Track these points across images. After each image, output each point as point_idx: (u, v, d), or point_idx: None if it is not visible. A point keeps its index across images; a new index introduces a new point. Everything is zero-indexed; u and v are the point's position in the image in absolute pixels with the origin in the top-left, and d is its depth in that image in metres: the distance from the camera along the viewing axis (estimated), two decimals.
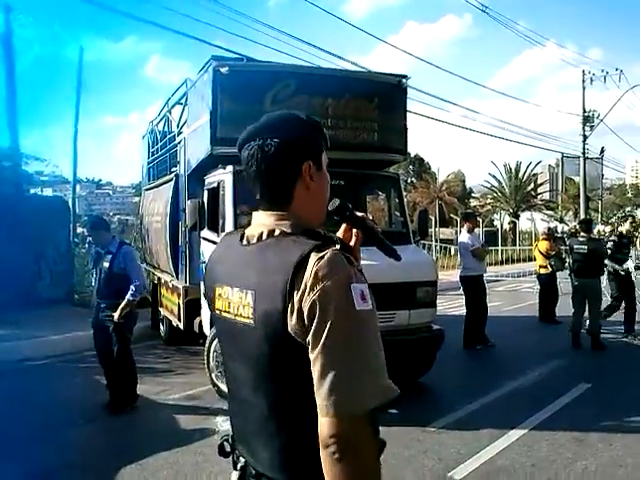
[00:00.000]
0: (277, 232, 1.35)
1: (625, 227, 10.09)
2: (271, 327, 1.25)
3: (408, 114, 7.34)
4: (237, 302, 1.36)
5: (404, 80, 7.01)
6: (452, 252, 21.22)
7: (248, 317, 1.31)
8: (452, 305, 11.76)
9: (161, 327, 9.02)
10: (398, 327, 5.82)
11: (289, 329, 1.22)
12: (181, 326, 7.36)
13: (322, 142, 1.45)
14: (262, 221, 1.40)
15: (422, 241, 16.01)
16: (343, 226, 1.61)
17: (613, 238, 9.55)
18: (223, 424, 5.05)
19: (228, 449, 1.50)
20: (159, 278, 9.00)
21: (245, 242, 1.41)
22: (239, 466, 1.43)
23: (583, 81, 26.84)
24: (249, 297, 1.31)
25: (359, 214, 1.58)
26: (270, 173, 1.37)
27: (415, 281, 5.92)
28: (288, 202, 1.38)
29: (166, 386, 6.38)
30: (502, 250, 23.55)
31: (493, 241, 24.98)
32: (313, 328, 1.18)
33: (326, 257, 1.21)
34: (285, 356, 1.25)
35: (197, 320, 6.97)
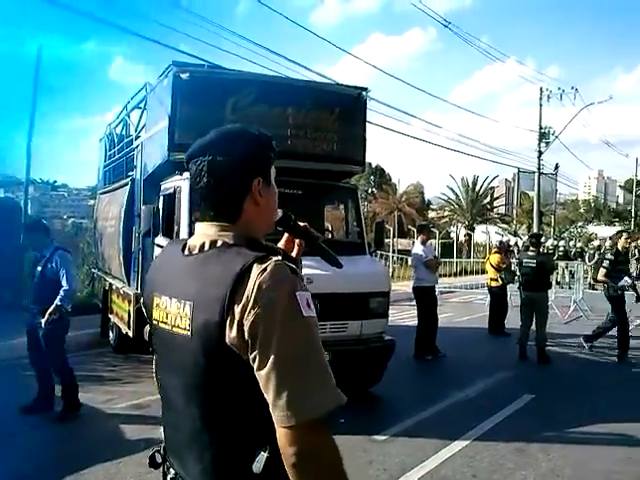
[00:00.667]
0: (219, 243, 1.34)
1: (621, 243, 9.37)
2: (208, 339, 1.24)
3: (370, 125, 7.48)
4: (175, 313, 1.34)
5: (364, 93, 7.12)
6: (409, 263, 21.44)
7: (185, 328, 1.30)
8: (406, 315, 11.94)
9: (110, 334, 8.84)
10: (350, 337, 5.90)
11: (227, 341, 1.21)
12: (130, 334, 7.24)
13: (272, 157, 1.46)
14: (205, 231, 1.39)
15: (380, 252, 16.24)
16: (285, 236, 1.63)
17: (609, 256, 8.92)
18: None
19: (159, 460, 1.50)
20: (110, 284, 8.84)
21: (187, 252, 1.40)
22: (169, 477, 1.43)
23: (540, 98, 27.65)
24: (187, 308, 1.30)
25: (301, 224, 1.61)
26: (218, 190, 1.37)
27: (368, 292, 6.01)
28: (236, 217, 1.38)
29: (113, 395, 6.28)
30: (457, 262, 23.99)
31: (449, 253, 25.49)
32: (259, 342, 1.17)
33: (269, 269, 1.21)
34: (220, 368, 1.25)
35: (147, 328, 6.85)
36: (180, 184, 6.17)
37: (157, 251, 6.56)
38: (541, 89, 27.70)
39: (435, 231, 26.42)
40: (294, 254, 1.61)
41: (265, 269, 1.21)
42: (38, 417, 5.36)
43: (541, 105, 27.63)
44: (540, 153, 27.62)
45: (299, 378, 1.17)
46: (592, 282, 20.20)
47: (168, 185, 6.56)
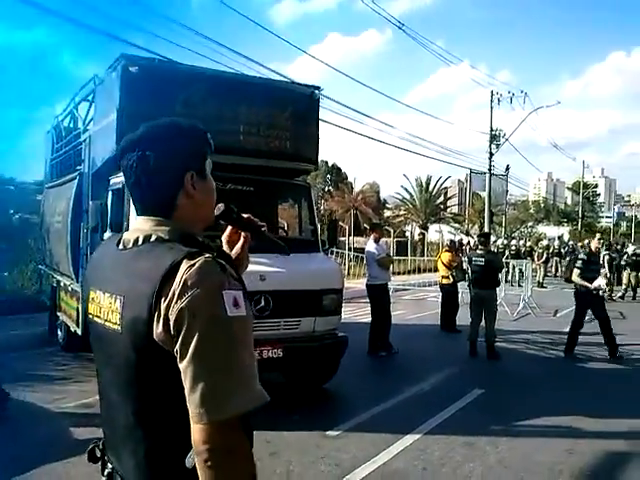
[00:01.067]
0: (153, 238, 1.33)
1: (594, 244, 9.50)
2: (137, 334, 1.23)
3: (326, 124, 7.50)
4: (107, 307, 1.34)
5: (317, 91, 7.12)
6: (364, 261, 21.66)
7: (116, 323, 1.30)
8: (361, 312, 12.02)
9: (59, 333, 8.59)
10: (303, 334, 5.90)
11: (155, 337, 1.20)
12: (79, 331, 7.05)
13: (206, 150, 1.43)
14: (140, 226, 1.38)
15: (336, 249, 16.35)
16: (228, 229, 1.62)
17: (582, 256, 8.94)
18: None
19: (98, 454, 1.49)
20: (58, 281, 8.58)
21: (121, 247, 1.39)
22: (106, 472, 1.43)
23: (491, 101, 28.25)
24: (118, 303, 1.29)
25: (245, 215, 1.60)
26: (150, 185, 1.35)
27: (321, 289, 6.03)
28: (170, 211, 1.36)
29: (62, 394, 6.11)
30: (411, 260, 24.32)
31: (403, 251, 25.83)
32: (181, 337, 1.17)
33: (197, 265, 1.20)
34: (151, 364, 1.24)
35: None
36: None
37: None
38: (492, 92, 28.30)
39: (390, 230, 26.77)
40: (239, 246, 1.61)
41: (193, 265, 1.20)
42: None
43: (492, 108, 28.22)
44: (491, 155, 28.22)
45: (214, 376, 1.16)
46: (540, 281, 20.90)
47: (117, 180, 6.39)
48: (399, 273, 21.48)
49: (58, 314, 8.50)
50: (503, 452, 4.83)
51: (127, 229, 5.83)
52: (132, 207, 5.25)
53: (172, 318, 1.18)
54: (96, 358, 1.48)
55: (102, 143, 6.66)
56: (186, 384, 1.17)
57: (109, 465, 1.42)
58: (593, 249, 9.40)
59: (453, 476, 4.31)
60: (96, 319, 1.40)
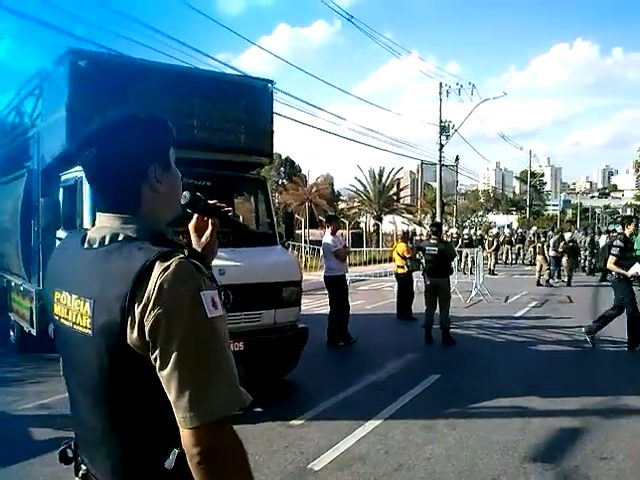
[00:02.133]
0: (121, 236, 1.28)
1: (629, 229, 8.75)
2: (109, 339, 1.19)
3: (279, 117, 7.52)
4: (75, 310, 1.28)
5: (270, 85, 7.15)
6: (321, 253, 21.80)
7: (86, 327, 1.24)
8: (319, 304, 12.13)
9: (11, 334, 8.37)
10: (264, 326, 5.94)
11: (128, 341, 1.17)
12: (34, 332, 6.90)
13: (168, 140, 1.37)
14: (106, 224, 1.31)
15: (292, 242, 16.36)
16: (195, 217, 1.59)
17: (618, 243, 8.43)
18: None
19: (70, 455, 1.44)
20: (8, 281, 8.34)
21: (87, 245, 1.32)
22: (80, 473, 1.39)
23: (440, 93, 28.72)
24: (87, 306, 1.24)
25: (211, 202, 1.57)
26: (111, 181, 1.30)
27: (280, 281, 6.07)
28: (135, 206, 1.31)
29: (18, 396, 5.96)
30: (367, 251, 24.62)
31: (358, 242, 26.10)
32: (160, 345, 1.14)
33: (172, 267, 1.16)
34: (124, 368, 1.21)
35: (52, 325, 6.57)
36: (81, 175, 5.91)
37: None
38: (441, 84, 28.76)
39: (345, 222, 26.98)
40: (208, 233, 1.59)
41: (168, 267, 1.15)
42: None
43: (441, 100, 28.67)
44: (441, 146, 28.75)
45: (200, 380, 1.14)
46: (491, 268, 21.49)
47: (69, 176, 6.27)
48: (355, 264, 21.71)
49: (10, 315, 8.27)
50: (461, 433, 4.99)
51: (81, 226, 5.75)
52: (86, 204, 5.15)
53: (148, 324, 1.14)
54: (63, 360, 1.43)
55: (51, 139, 6.51)
56: (171, 391, 1.15)
57: (83, 467, 1.39)
58: (628, 235, 8.70)
59: (415, 458, 4.44)
60: (63, 321, 1.34)
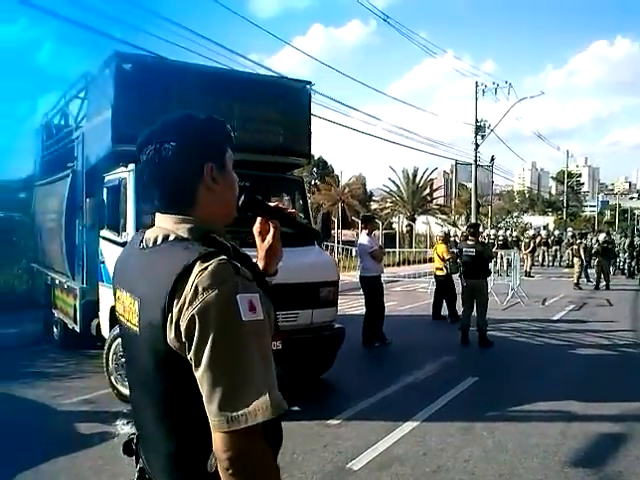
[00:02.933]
0: (172, 237, 1.30)
1: None
2: (153, 338, 1.22)
3: (313, 118, 7.54)
4: (129, 308, 1.33)
5: (308, 86, 7.21)
6: (353, 253, 21.74)
7: (135, 325, 1.28)
8: (352, 305, 12.14)
9: (55, 330, 8.61)
10: (301, 326, 5.98)
11: (169, 342, 1.18)
12: (77, 329, 7.09)
13: (225, 141, 1.40)
14: (161, 224, 1.35)
15: (326, 243, 16.39)
16: (258, 220, 1.58)
17: None
18: (124, 427, 4.97)
19: (134, 448, 1.48)
20: (53, 279, 8.58)
21: (143, 245, 1.36)
22: (139, 467, 1.42)
23: (476, 92, 28.40)
24: (136, 305, 1.28)
25: (272, 204, 1.55)
26: (169, 178, 1.32)
27: (318, 281, 6.11)
28: (190, 206, 1.33)
29: (61, 391, 6.13)
30: (399, 252, 24.49)
31: (391, 243, 25.95)
32: (194, 345, 1.14)
33: (209, 268, 1.16)
34: (167, 367, 1.22)
35: (95, 322, 6.75)
36: (125, 176, 6.07)
37: (103, 244, 6.45)
38: (477, 83, 28.43)
39: (378, 222, 26.89)
40: (270, 236, 1.57)
41: (206, 268, 1.16)
42: None
43: (477, 99, 28.34)
44: (477, 145, 28.38)
45: (230, 384, 1.13)
46: (527, 270, 21.15)
47: (112, 177, 6.43)
48: (388, 265, 21.59)
49: (54, 311, 8.52)
50: (499, 436, 4.96)
51: (124, 227, 5.90)
52: (130, 204, 5.28)
53: (183, 325, 1.15)
54: (124, 355, 1.50)
55: (96, 140, 6.67)
56: (203, 392, 1.15)
57: (141, 460, 1.42)
58: None
59: (453, 460, 4.43)
60: (121, 318, 1.40)
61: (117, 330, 5.88)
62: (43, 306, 9.26)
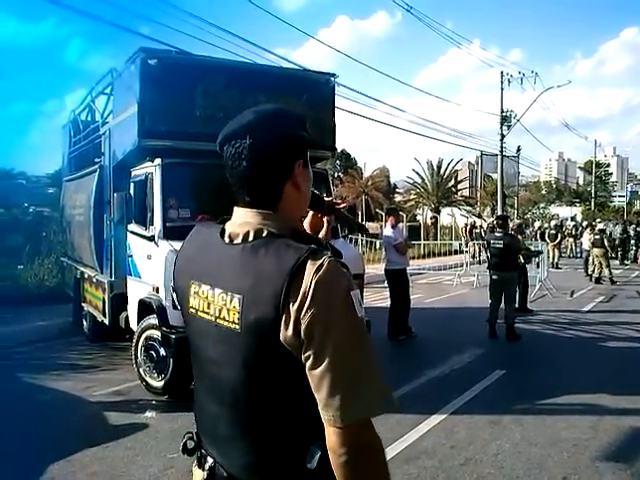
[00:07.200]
0: (265, 233, 1.27)
1: None
2: (260, 335, 1.20)
3: (337, 110, 7.51)
4: (220, 304, 1.28)
5: (332, 79, 7.19)
6: (377, 246, 21.68)
7: (233, 322, 1.24)
8: (377, 297, 12.11)
9: (84, 323, 8.77)
10: None
11: (281, 339, 1.17)
12: (106, 321, 7.21)
13: (307, 138, 1.38)
14: (247, 219, 1.32)
15: (350, 235, 16.36)
16: (310, 213, 1.57)
17: None
18: (154, 419, 5.04)
19: (191, 446, 1.46)
20: (82, 272, 8.73)
21: (228, 240, 1.33)
22: (207, 466, 1.39)
23: (501, 82, 27.94)
24: (235, 301, 1.24)
25: (327, 199, 1.55)
26: (259, 174, 1.29)
27: None
28: (276, 202, 1.31)
29: (92, 382, 6.25)
30: (424, 244, 24.33)
31: (416, 235, 25.81)
32: (316, 343, 1.14)
33: (325, 266, 1.16)
34: (271, 364, 1.22)
35: (123, 315, 6.86)
36: (152, 170, 6.12)
37: (131, 238, 6.54)
38: (502, 73, 27.97)
39: (402, 214, 26.75)
40: (324, 231, 1.59)
41: (321, 266, 1.16)
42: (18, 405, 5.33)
43: (502, 89, 27.83)
44: (502, 136, 27.96)
45: (353, 379, 1.15)
46: (555, 262, 20.86)
47: (139, 172, 6.49)
48: (412, 257, 21.44)
49: (83, 305, 8.67)
50: (528, 430, 4.91)
51: (151, 220, 5.95)
52: (157, 198, 5.32)
53: (304, 323, 1.15)
54: (197, 353, 1.42)
55: (122, 135, 6.75)
56: (322, 389, 1.15)
57: (209, 459, 1.38)
58: None
59: (482, 454, 4.40)
60: (202, 314, 1.34)
61: (146, 322, 5.97)
62: (73, 299, 9.42)
